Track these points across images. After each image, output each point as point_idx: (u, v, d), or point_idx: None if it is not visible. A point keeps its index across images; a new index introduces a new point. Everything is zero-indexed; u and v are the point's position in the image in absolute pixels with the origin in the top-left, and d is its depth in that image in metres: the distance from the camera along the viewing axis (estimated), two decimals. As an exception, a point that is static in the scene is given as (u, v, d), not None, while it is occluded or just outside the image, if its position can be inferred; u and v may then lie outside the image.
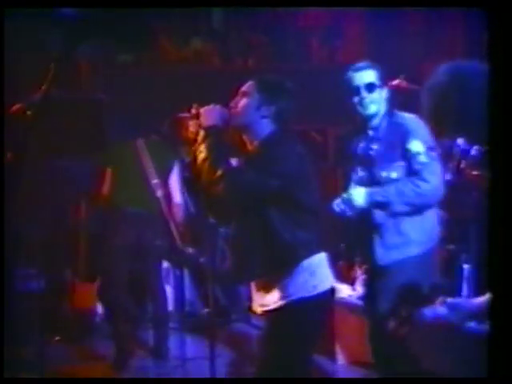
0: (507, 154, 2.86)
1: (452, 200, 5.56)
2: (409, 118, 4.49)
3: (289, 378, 3.60)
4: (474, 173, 5.38)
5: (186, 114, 3.78)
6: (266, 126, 3.66)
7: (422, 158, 4.30)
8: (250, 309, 4.08)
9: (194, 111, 3.74)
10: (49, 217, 6.76)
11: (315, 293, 3.60)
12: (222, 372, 5.35)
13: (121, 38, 7.81)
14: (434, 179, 4.32)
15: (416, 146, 4.32)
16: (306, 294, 3.58)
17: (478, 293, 5.04)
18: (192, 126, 3.74)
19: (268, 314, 3.68)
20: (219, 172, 3.49)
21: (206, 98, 3.85)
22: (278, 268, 3.59)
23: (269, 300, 3.65)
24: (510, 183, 2.85)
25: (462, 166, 5.51)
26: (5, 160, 5.72)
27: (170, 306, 6.99)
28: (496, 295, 2.86)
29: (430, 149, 4.35)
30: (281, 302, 3.59)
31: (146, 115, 7.41)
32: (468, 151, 5.48)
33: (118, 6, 6.42)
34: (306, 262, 3.59)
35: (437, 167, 4.37)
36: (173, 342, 6.11)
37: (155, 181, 5.99)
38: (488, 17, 3.00)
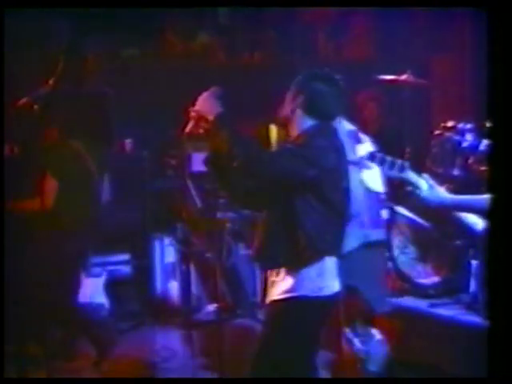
0: (508, 152, 2.85)
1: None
2: None
3: (289, 378, 3.60)
4: (482, 168, 5.37)
5: (192, 124, 3.72)
6: (304, 119, 3.66)
7: None
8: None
9: (194, 114, 3.69)
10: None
11: (319, 294, 3.59)
12: (228, 367, 5.35)
13: (127, 32, 7.79)
14: None
15: None
16: (310, 294, 3.57)
17: (486, 289, 5.03)
18: (203, 126, 3.70)
19: (271, 303, 3.68)
20: (256, 151, 3.49)
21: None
22: (299, 259, 3.57)
23: (275, 291, 3.65)
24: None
25: (471, 161, 5.50)
26: (5, 154, 5.75)
27: (177, 301, 7.02)
28: (496, 294, 2.85)
29: None
30: (284, 296, 3.59)
31: (150, 110, 7.45)
32: (476, 146, 5.47)
33: (122, 5, 6.40)
34: (318, 264, 3.58)
35: None
36: (179, 336, 6.11)
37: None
38: (488, 17, 2.99)
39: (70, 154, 5.70)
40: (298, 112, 3.66)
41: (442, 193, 3.51)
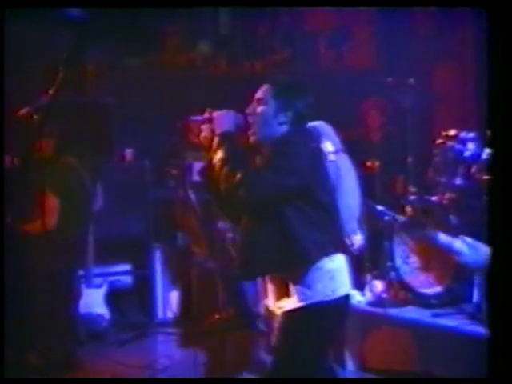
0: (507, 154, 2.83)
1: (462, 204, 5.54)
2: None
3: (289, 378, 3.57)
4: (485, 177, 5.34)
5: (199, 117, 3.75)
6: (282, 130, 3.62)
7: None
8: (267, 309, 4.04)
9: (207, 115, 3.71)
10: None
11: (334, 297, 3.56)
12: (229, 376, 5.35)
13: (127, 41, 7.80)
14: None
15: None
16: (325, 299, 3.54)
17: (489, 298, 5.00)
18: (205, 130, 3.71)
19: (285, 315, 3.63)
20: (238, 176, 3.44)
21: (213, 101, 3.82)
22: (293, 267, 3.54)
23: (287, 301, 3.62)
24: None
25: (473, 170, 5.48)
26: (5, 164, 5.72)
27: (178, 312, 7.01)
28: (496, 295, 2.83)
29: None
30: (298, 305, 3.56)
31: (151, 119, 7.44)
32: (479, 155, 5.44)
33: (120, 6, 6.40)
34: (327, 266, 3.55)
35: None
36: (180, 347, 6.10)
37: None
38: (488, 17, 2.97)
39: (67, 171, 5.65)
40: (282, 127, 3.61)
41: (482, 250, 3.42)
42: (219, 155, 3.56)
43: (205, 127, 3.69)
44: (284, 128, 3.61)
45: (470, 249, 3.28)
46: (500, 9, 2.93)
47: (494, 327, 2.85)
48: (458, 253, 3.25)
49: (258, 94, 3.66)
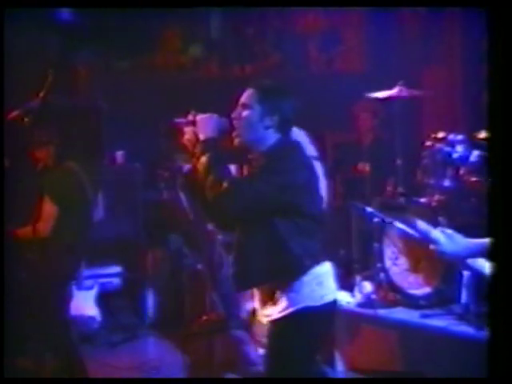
0: (506, 157, 2.84)
1: (451, 206, 5.57)
2: None
3: (288, 378, 3.58)
4: (473, 179, 5.38)
5: (182, 120, 3.73)
6: (270, 137, 3.59)
7: None
8: (255, 319, 4.06)
9: (190, 117, 3.70)
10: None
11: (322, 303, 3.58)
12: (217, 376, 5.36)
13: (119, 44, 7.81)
14: None
15: None
16: (313, 304, 3.56)
17: (478, 300, 5.03)
18: (188, 133, 3.69)
19: (274, 322, 3.64)
20: (224, 185, 3.42)
21: (203, 105, 3.83)
22: (285, 277, 3.56)
23: (275, 309, 3.62)
24: (510, 188, 2.83)
25: (461, 172, 5.51)
26: (4, 166, 5.72)
27: (169, 313, 7.01)
28: (496, 296, 2.84)
29: None
30: (287, 311, 3.56)
31: (142, 122, 7.45)
32: (467, 157, 5.48)
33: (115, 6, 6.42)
34: (314, 272, 3.57)
35: None
36: (171, 348, 6.10)
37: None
38: (488, 16, 2.98)
39: (68, 177, 5.58)
40: (269, 132, 3.58)
41: (459, 241, 3.40)
42: (203, 162, 3.53)
43: (188, 130, 3.67)
44: (270, 132, 3.59)
45: (447, 239, 3.26)
46: (500, 9, 2.93)
47: (493, 327, 2.86)
48: (435, 241, 3.24)
49: (243, 99, 3.63)
